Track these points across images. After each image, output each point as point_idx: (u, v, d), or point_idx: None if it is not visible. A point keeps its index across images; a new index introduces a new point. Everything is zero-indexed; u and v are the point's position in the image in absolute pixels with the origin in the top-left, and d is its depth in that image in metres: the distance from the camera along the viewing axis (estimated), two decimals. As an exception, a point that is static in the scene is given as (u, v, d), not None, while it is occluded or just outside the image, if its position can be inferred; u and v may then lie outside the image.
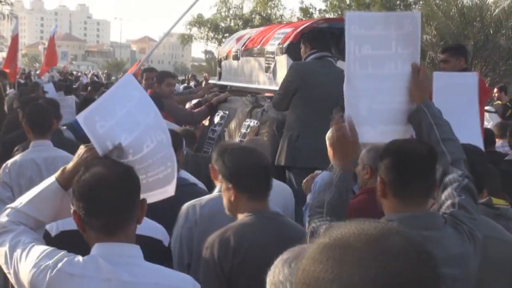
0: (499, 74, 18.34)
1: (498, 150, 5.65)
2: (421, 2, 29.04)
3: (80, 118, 1.91)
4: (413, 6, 30.38)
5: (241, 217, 2.24)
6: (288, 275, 1.20)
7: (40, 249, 1.70)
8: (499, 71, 18.42)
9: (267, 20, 32.71)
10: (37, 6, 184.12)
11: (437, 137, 2.19)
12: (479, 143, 3.87)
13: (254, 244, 2.15)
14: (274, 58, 5.38)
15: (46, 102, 4.95)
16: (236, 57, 6.27)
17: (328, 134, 2.22)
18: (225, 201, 2.29)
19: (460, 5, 18.82)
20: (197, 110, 5.87)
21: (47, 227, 1.92)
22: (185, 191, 2.68)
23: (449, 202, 2.05)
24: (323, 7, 32.57)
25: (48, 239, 2.12)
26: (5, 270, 1.77)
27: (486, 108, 8.80)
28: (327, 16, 32.00)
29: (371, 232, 0.85)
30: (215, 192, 2.65)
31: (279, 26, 6.23)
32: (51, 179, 1.87)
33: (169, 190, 2.01)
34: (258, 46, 5.75)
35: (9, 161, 3.56)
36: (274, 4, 34.66)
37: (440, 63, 5.19)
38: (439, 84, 3.98)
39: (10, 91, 11.48)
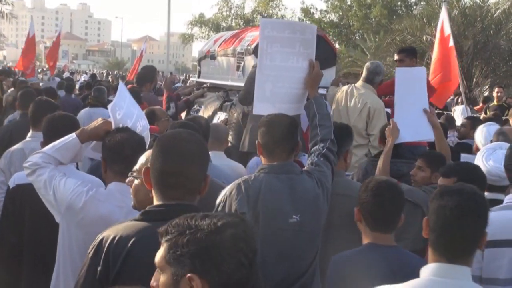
0: (500, 76, 18.29)
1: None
2: (422, 3, 28.90)
3: (109, 107, 2.82)
4: (414, 7, 30.40)
5: None
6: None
7: (74, 180, 2.50)
8: (499, 72, 18.34)
9: (268, 21, 32.43)
10: (38, 5, 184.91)
11: (316, 123, 3.11)
12: (429, 130, 4.17)
13: None
14: (243, 58, 5.99)
15: (46, 91, 5.60)
16: (213, 57, 6.89)
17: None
18: None
19: (462, 6, 18.77)
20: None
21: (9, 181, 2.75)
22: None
23: (309, 161, 2.99)
24: (324, 8, 32.79)
25: (8, 190, 3.20)
26: (42, 193, 2.52)
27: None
28: (328, 16, 32.43)
29: (179, 130, 2.02)
30: None
31: (250, 29, 6.84)
32: (73, 135, 2.66)
33: None
34: (231, 47, 6.35)
35: (7, 150, 3.86)
36: (275, 4, 34.67)
37: (396, 62, 5.75)
38: (400, 78, 4.36)
39: (11, 89, 11.95)
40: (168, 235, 1.32)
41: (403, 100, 4.22)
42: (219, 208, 2.75)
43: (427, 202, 3.40)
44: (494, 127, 4.13)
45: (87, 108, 6.81)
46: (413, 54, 5.67)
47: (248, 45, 5.95)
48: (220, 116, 5.72)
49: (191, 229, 1.29)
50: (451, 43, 6.41)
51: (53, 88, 7.56)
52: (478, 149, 4.10)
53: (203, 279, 1.27)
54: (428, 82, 5.73)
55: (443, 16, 6.60)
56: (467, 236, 1.87)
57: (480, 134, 4.13)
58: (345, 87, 5.44)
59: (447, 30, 6.43)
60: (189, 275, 1.27)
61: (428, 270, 1.86)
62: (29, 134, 3.92)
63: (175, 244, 1.30)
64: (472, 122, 5.62)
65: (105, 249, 1.83)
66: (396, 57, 5.74)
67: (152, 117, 4.30)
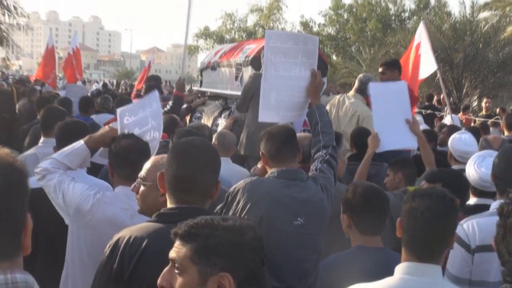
0: (488, 87, 18.73)
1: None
2: (415, 17, 29.78)
3: (118, 111, 2.97)
4: (407, 21, 31.02)
5: None
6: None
7: (82, 184, 2.61)
8: (487, 83, 18.79)
9: (269, 34, 32.71)
10: (52, 17, 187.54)
11: (319, 130, 3.24)
12: (414, 141, 4.37)
13: None
14: (241, 69, 6.35)
15: (61, 102, 5.92)
16: (213, 68, 7.29)
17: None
18: None
19: (453, 21, 19.37)
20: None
21: None
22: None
23: (314, 167, 3.09)
24: (322, 21, 33.61)
25: None
26: (52, 196, 2.63)
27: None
28: (325, 29, 33.14)
29: (193, 138, 2.16)
30: None
31: (248, 42, 7.25)
32: (80, 142, 2.80)
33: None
34: (230, 59, 6.73)
35: (21, 155, 3.97)
36: (276, 18, 35.43)
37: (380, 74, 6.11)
38: (375, 92, 4.49)
39: (23, 99, 12.31)
40: (192, 236, 1.35)
41: (382, 112, 4.34)
42: (229, 199, 2.85)
43: (395, 205, 3.27)
44: (465, 135, 4.39)
45: (94, 115, 7.26)
46: (394, 66, 5.91)
47: (246, 57, 6.32)
48: (219, 122, 6.13)
49: (217, 230, 1.34)
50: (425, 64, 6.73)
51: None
52: (451, 156, 4.37)
53: (232, 277, 1.33)
54: (412, 92, 6.11)
55: (421, 33, 6.76)
56: (436, 237, 1.95)
57: (453, 141, 4.39)
58: (337, 96, 5.77)
59: (421, 49, 6.74)
60: (221, 273, 1.32)
61: (400, 269, 1.96)
62: (41, 140, 4.10)
63: (204, 244, 1.33)
64: (450, 130, 5.98)
65: (120, 248, 1.93)
66: (379, 69, 6.02)
67: (174, 125, 4.69)
